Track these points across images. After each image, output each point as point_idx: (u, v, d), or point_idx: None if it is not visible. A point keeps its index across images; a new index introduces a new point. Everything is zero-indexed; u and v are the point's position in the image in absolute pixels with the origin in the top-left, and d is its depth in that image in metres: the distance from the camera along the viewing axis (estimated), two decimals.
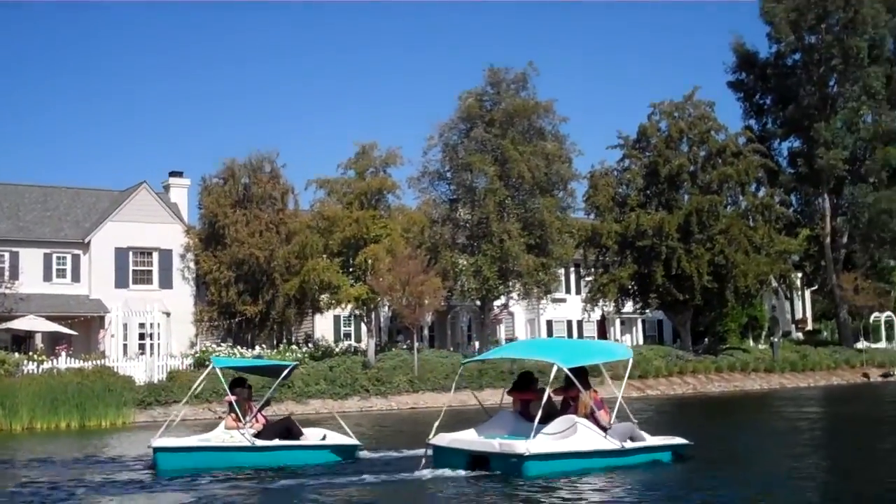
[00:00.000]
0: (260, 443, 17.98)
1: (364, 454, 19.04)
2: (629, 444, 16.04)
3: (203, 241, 48.23)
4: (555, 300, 55.11)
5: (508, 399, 17.69)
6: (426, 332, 55.48)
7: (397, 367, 42.43)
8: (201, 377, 19.96)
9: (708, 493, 14.02)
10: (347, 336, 53.89)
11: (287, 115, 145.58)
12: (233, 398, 18.37)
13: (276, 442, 18.30)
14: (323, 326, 52.84)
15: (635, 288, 54.42)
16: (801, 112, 62.85)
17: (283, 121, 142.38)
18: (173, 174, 53.38)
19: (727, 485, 14.66)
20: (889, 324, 66.60)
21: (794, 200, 66.40)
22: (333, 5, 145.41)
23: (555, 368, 15.90)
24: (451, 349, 52.79)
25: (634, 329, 65.67)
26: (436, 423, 16.59)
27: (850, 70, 61.75)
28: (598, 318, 60.11)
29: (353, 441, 19.17)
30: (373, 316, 46.24)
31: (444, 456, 16.09)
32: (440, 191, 49.95)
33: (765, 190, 58.83)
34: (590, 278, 55.98)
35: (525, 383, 17.36)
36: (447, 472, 15.51)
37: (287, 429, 18.85)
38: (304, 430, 19.21)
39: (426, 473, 15.55)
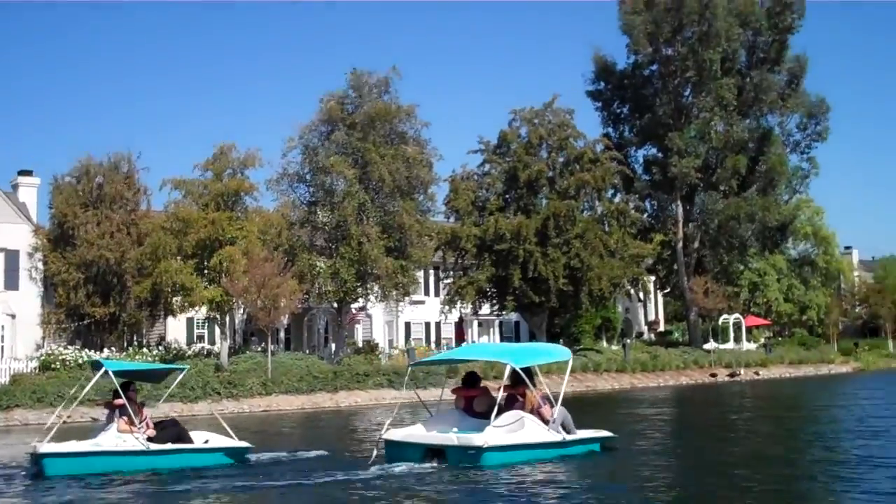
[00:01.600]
0: (154, 446, 17.82)
1: (255, 457, 18.95)
2: (568, 437, 17.57)
3: (52, 242, 46.65)
4: (413, 302, 55.30)
5: (449, 396, 18.97)
6: (282, 334, 54.97)
7: (251, 370, 41.87)
8: (92, 381, 19.23)
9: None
10: (201, 338, 53.01)
11: (149, 116, 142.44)
12: (123, 402, 18.00)
13: (171, 445, 18.16)
14: (176, 329, 51.86)
15: (493, 290, 54.91)
16: (657, 121, 64.55)
17: (145, 123, 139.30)
18: (22, 173, 51.51)
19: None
20: (737, 326, 68.88)
21: (648, 206, 68.23)
22: (197, 5, 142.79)
23: (508, 368, 17.71)
24: (308, 351, 52.41)
25: (492, 331, 66.39)
26: (388, 420, 18.10)
27: (703, 81, 63.66)
28: (457, 319, 60.48)
29: (244, 444, 19.12)
30: (227, 318, 45.56)
31: (398, 450, 17.08)
32: (299, 193, 49.31)
33: (620, 196, 60.23)
34: (448, 281, 56.30)
35: (471, 382, 18.59)
36: (403, 465, 16.34)
37: (179, 433, 18.74)
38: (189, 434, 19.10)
39: (380, 468, 16.23)
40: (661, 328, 76.95)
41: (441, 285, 59.52)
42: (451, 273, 56.00)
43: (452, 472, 15.67)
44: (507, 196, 55.69)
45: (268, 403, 38.74)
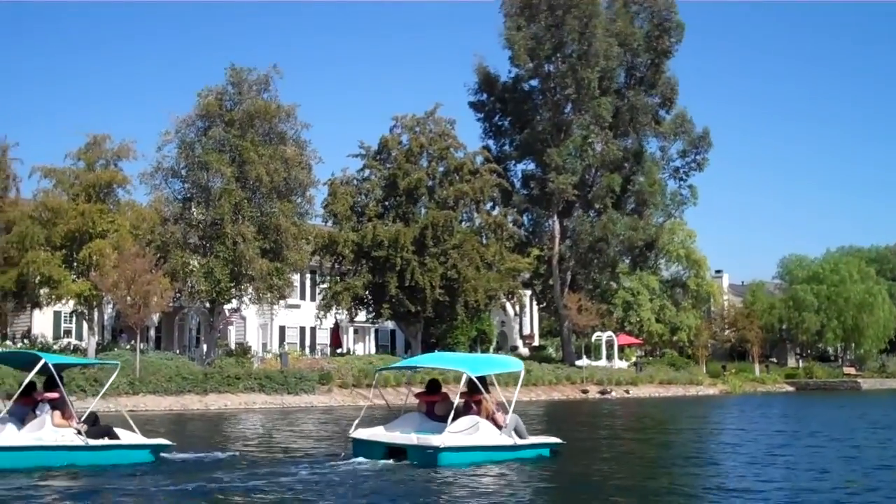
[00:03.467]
0: (93, 442, 17.48)
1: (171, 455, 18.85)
2: (519, 441, 18.95)
3: None
4: (289, 306, 54.81)
5: (413, 400, 20.22)
6: (152, 332, 53.80)
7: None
8: (31, 374, 18.10)
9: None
10: (68, 333, 51.48)
11: (23, 105, 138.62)
12: (57, 395, 17.46)
13: (108, 441, 17.88)
14: (42, 322, 50.34)
15: (369, 297, 54.76)
16: (536, 136, 65.29)
17: (21, 111, 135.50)
18: None
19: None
20: (609, 343, 69.87)
21: (526, 221, 68.77)
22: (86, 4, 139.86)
23: (464, 377, 18.64)
24: (178, 351, 51.46)
25: (367, 338, 66.20)
26: (356, 420, 19.24)
27: (582, 99, 64.65)
28: (332, 325, 60.08)
29: (168, 441, 19.39)
30: (95, 314, 44.44)
31: (363, 447, 18.53)
32: (174, 188, 48.18)
33: (499, 209, 60.62)
34: (324, 286, 55.91)
35: (433, 388, 19.65)
36: (364, 461, 17.83)
37: (108, 428, 18.29)
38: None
39: (346, 464, 17.67)
40: (536, 343, 77.66)
41: (317, 290, 59.03)
42: (328, 278, 55.64)
43: (411, 470, 17.02)
44: (387, 203, 55.68)
45: (135, 403, 37.69)
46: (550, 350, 74.52)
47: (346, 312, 55.39)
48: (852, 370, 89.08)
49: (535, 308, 78.54)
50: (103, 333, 49.40)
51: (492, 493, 14.79)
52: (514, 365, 21.75)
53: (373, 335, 66.60)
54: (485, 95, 69.01)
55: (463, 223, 56.70)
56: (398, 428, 18.88)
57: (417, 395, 20.02)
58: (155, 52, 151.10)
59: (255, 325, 58.65)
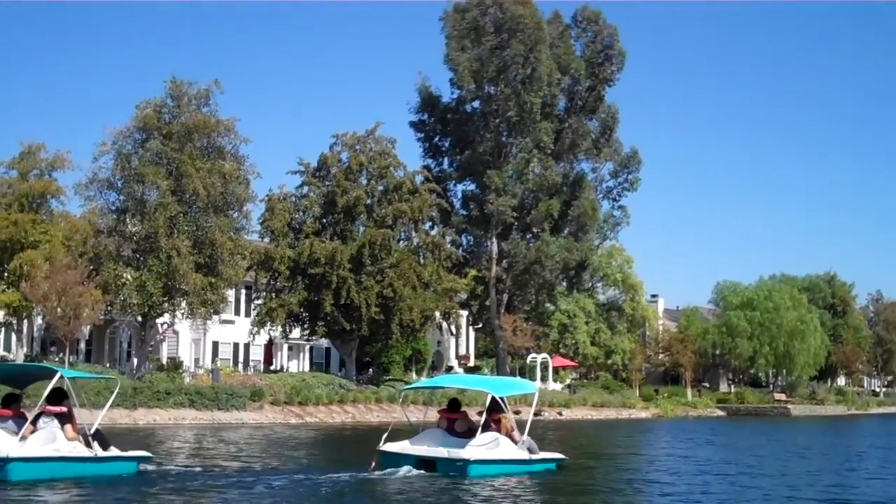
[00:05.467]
0: (102, 453, 18.30)
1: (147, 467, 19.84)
2: (534, 456, 21.13)
3: None
4: (223, 321, 54.34)
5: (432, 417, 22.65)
6: (83, 345, 53.11)
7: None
8: (49, 387, 18.41)
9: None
10: None
11: None
12: (65, 409, 18.04)
13: (114, 452, 18.79)
14: None
15: (304, 314, 54.49)
16: (477, 158, 65.54)
17: None
18: None
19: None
20: (544, 365, 70.16)
21: (464, 241, 68.95)
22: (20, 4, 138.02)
23: (489, 397, 20.65)
24: (108, 365, 50.82)
25: (302, 355, 65.88)
26: (384, 435, 20.83)
27: (523, 123, 65.06)
28: (266, 341, 59.71)
29: (148, 454, 20.55)
30: (25, 325, 43.76)
31: (393, 459, 20.16)
32: (109, 200, 47.50)
33: (437, 229, 60.71)
34: (259, 301, 55.52)
35: (454, 406, 21.51)
36: (398, 470, 19.68)
37: (107, 440, 19.09)
38: None
39: (381, 474, 19.54)
40: (472, 363, 77.70)
41: (252, 306, 58.60)
42: (263, 294, 55.24)
43: (441, 480, 18.98)
44: (324, 220, 55.49)
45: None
46: (486, 371, 74.46)
47: (280, 329, 55.07)
48: (783, 396, 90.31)
49: (471, 329, 78.69)
50: (32, 345, 48.67)
51: (518, 497, 17.42)
52: (531, 388, 24.67)
53: (307, 352, 66.27)
54: (426, 115, 69.11)
55: (401, 242, 56.63)
56: (424, 442, 20.71)
57: (439, 412, 22.06)
58: (95, 63, 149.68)
59: (187, 339, 58.03)
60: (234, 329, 59.67)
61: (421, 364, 67.04)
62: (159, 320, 49.86)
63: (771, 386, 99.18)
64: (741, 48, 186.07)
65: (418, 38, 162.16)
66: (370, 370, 61.47)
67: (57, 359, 45.74)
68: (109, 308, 46.90)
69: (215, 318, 50.70)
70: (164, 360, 53.12)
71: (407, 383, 57.27)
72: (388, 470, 19.74)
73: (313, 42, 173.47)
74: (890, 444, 40.42)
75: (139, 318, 47.83)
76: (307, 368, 63.94)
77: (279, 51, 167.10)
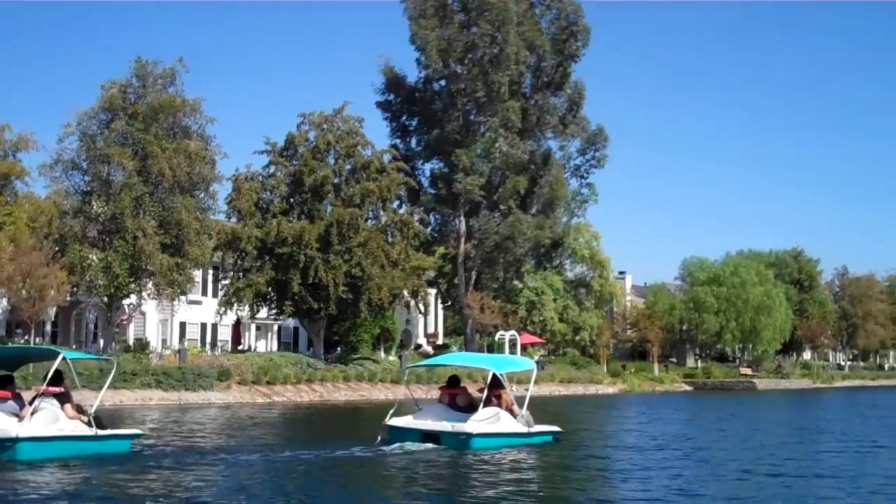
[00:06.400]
0: (101, 432, 18.89)
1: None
2: (532, 429, 22.21)
3: None
4: (190, 302, 54.20)
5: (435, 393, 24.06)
6: (48, 327, 52.87)
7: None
8: (52, 369, 18.96)
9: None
10: None
11: None
12: (58, 390, 18.59)
13: (110, 431, 19.40)
14: None
15: (272, 294, 54.49)
16: (444, 137, 65.66)
17: None
18: None
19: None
20: (513, 342, 70.47)
21: (432, 220, 69.09)
22: None
23: (490, 373, 21.80)
24: (75, 347, 50.64)
25: (270, 335, 65.89)
26: (391, 411, 22.25)
27: (491, 102, 65.19)
28: (233, 321, 59.65)
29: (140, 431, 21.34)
30: None
31: (400, 433, 21.36)
32: (74, 181, 47.31)
33: (405, 207, 60.77)
34: (226, 282, 55.45)
35: (454, 383, 22.85)
36: (407, 444, 20.77)
37: (102, 419, 19.66)
38: None
39: (390, 448, 20.49)
40: (440, 341, 77.97)
41: (219, 286, 58.51)
42: (230, 274, 55.18)
43: (447, 452, 20.14)
44: (292, 200, 55.42)
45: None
46: (454, 348, 74.75)
47: (247, 309, 55.08)
48: (749, 371, 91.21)
49: (440, 307, 78.93)
50: None
51: (521, 469, 18.69)
52: (529, 364, 26.16)
53: (275, 332, 66.28)
54: (392, 95, 69.10)
55: (369, 221, 56.60)
56: (427, 417, 21.99)
57: (440, 388, 23.40)
58: (59, 43, 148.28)
59: (154, 320, 57.92)
60: (201, 309, 59.56)
61: (389, 343, 67.21)
62: (126, 301, 49.81)
63: (737, 360, 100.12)
64: (704, 23, 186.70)
65: (386, 18, 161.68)
66: (338, 349, 61.56)
67: (22, 340, 45.63)
68: (75, 289, 46.80)
69: (182, 298, 50.47)
70: (131, 342, 53.00)
71: (375, 362, 57.83)
72: (399, 444, 20.82)
73: (280, 21, 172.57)
74: (848, 416, 41.05)
75: (105, 300, 47.73)
76: (275, 348, 63.96)
77: (245, 30, 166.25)
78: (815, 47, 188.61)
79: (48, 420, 18.13)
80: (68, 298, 46.46)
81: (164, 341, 57.67)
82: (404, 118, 69.73)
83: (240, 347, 60.22)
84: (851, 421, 37.49)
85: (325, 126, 56.06)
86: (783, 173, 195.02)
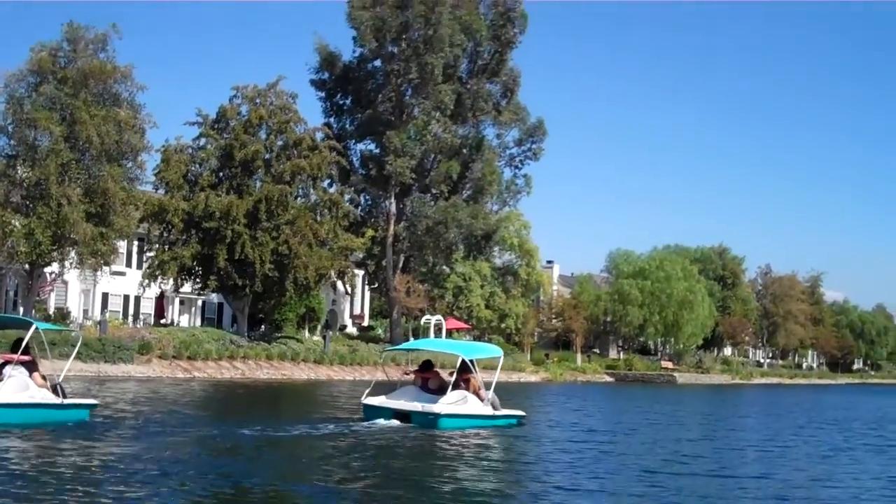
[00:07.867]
0: (66, 401, 19.73)
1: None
2: (497, 412, 23.92)
3: None
4: (113, 273, 53.39)
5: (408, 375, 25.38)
6: None
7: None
8: (25, 338, 19.46)
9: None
10: None
11: None
12: (27, 358, 19.36)
13: (74, 400, 20.33)
14: None
15: (197, 268, 53.93)
16: (377, 118, 65.49)
17: None
18: None
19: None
20: (437, 327, 70.51)
21: (362, 200, 68.97)
22: None
23: (459, 359, 23.70)
24: None
25: (193, 309, 65.22)
26: (367, 390, 24.47)
27: (424, 84, 65.09)
28: (157, 294, 58.90)
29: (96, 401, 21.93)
30: None
31: (374, 412, 23.12)
32: None
33: (336, 187, 60.47)
34: (151, 254, 54.74)
35: (427, 367, 24.77)
36: (380, 422, 22.48)
37: (64, 389, 20.30)
38: None
39: (363, 425, 22.20)
40: (366, 323, 77.92)
41: (144, 258, 57.68)
42: (155, 246, 54.44)
43: (416, 431, 21.68)
44: (221, 174, 54.88)
45: None
46: (380, 331, 74.85)
47: (171, 282, 54.45)
48: (670, 364, 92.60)
49: (367, 289, 78.77)
50: None
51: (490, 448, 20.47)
52: (497, 352, 27.63)
53: (199, 307, 65.60)
54: (326, 74, 68.65)
55: (298, 199, 56.25)
56: (401, 397, 23.65)
57: (414, 372, 25.06)
58: None
59: (76, 290, 56.91)
60: (124, 281, 58.67)
61: (314, 322, 66.91)
62: (47, 269, 48.95)
63: (659, 354, 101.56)
64: (637, 15, 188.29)
65: None
66: (262, 327, 61.18)
67: None
68: None
69: (105, 269, 49.75)
70: (52, 311, 52.14)
71: (299, 341, 57.58)
72: (373, 421, 22.52)
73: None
74: (760, 412, 41.82)
75: (27, 267, 46.87)
76: (199, 323, 63.29)
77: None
78: (746, 38, 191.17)
79: (18, 388, 18.86)
80: None
81: (85, 312, 56.78)
82: (338, 97, 69.36)
83: (162, 321, 59.52)
84: (762, 416, 38.19)
85: (258, 100, 55.53)
86: (714, 170, 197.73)
